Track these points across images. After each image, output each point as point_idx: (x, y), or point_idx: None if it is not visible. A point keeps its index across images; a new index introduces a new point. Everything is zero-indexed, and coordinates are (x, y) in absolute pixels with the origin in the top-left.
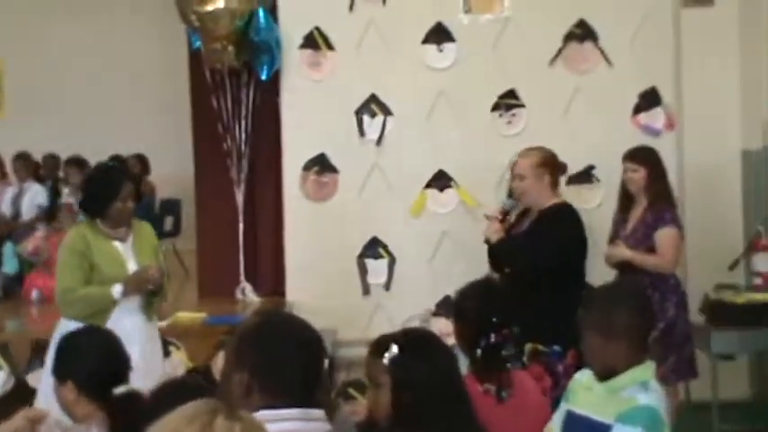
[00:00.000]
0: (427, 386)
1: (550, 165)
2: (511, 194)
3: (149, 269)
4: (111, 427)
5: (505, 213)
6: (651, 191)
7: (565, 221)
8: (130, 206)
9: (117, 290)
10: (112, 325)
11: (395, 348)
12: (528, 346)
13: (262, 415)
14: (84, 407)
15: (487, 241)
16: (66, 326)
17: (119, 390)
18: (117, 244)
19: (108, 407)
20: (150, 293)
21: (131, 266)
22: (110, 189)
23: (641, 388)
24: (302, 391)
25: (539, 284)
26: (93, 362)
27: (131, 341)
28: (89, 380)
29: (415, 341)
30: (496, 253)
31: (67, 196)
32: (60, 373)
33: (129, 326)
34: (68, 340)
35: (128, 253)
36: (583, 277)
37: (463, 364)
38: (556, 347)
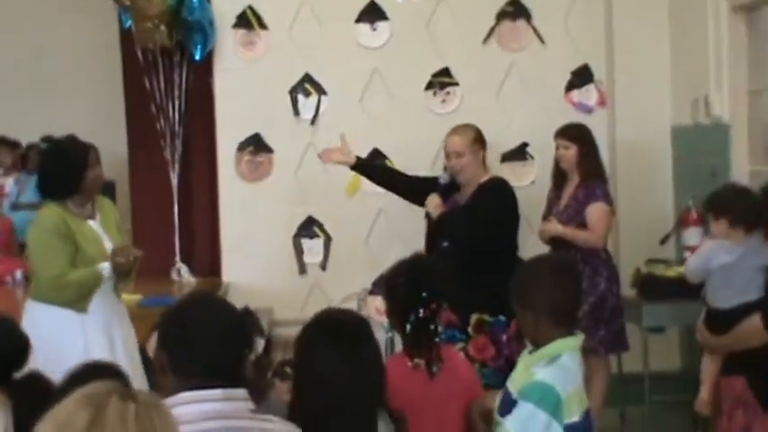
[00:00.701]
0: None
1: (482, 140)
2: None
3: (127, 247)
4: (14, 410)
5: (443, 188)
6: (582, 167)
7: (503, 195)
8: (101, 173)
9: (105, 268)
10: (97, 308)
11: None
12: (473, 317)
13: (182, 397)
14: None
15: (428, 215)
16: (47, 311)
17: (21, 372)
18: (91, 223)
19: (10, 390)
20: (129, 271)
21: (107, 244)
22: (78, 159)
23: (547, 362)
24: (223, 371)
25: (481, 256)
26: (2, 344)
27: (113, 322)
28: None
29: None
30: (438, 227)
31: None
32: None
33: (110, 307)
34: None
35: (99, 231)
36: (514, 249)
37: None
38: (501, 318)
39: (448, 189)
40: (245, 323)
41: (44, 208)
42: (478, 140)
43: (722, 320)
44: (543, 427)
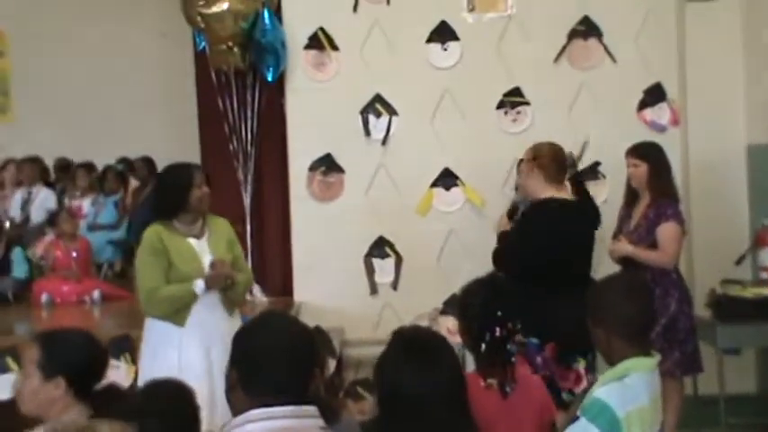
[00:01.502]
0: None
1: (546, 159)
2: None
3: (222, 263)
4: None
5: (515, 207)
6: (653, 186)
7: (532, 218)
8: (207, 191)
9: (199, 285)
10: (197, 321)
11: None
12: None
13: (252, 414)
14: (66, 403)
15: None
16: (153, 325)
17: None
18: (192, 240)
19: (90, 402)
20: (226, 288)
21: (207, 262)
22: (184, 178)
23: (612, 380)
24: (292, 388)
25: (517, 277)
26: (85, 357)
27: (214, 337)
28: (81, 376)
29: (409, 344)
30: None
31: (73, 199)
32: (50, 370)
33: (213, 321)
34: (56, 336)
35: (203, 249)
36: (561, 271)
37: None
38: (533, 340)
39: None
40: (314, 341)
41: (148, 228)
42: (538, 158)
43: None
44: None
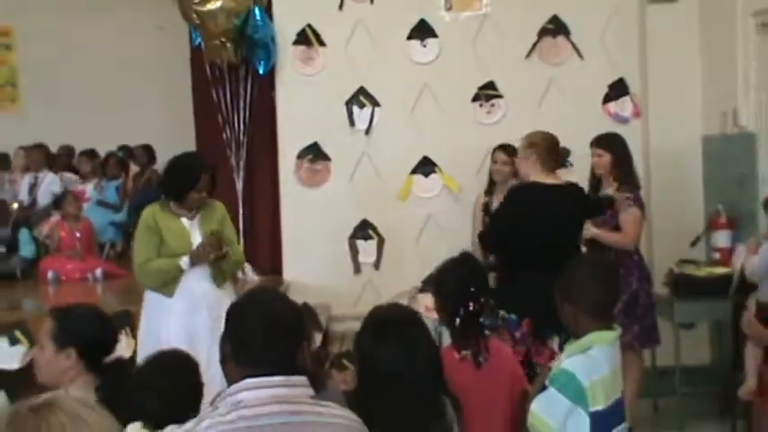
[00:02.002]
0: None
1: (539, 147)
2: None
3: (211, 238)
4: (97, 391)
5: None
6: (617, 174)
7: (511, 199)
8: (205, 196)
9: (184, 260)
10: (184, 291)
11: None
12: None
13: (245, 383)
14: (76, 373)
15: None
16: (148, 296)
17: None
18: (184, 220)
19: (100, 374)
20: (215, 262)
21: (196, 239)
22: (189, 181)
23: (577, 353)
24: (282, 360)
25: (499, 258)
26: (95, 331)
27: (200, 306)
28: (91, 348)
29: (385, 321)
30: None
31: (76, 184)
32: (62, 341)
33: (199, 292)
34: (69, 311)
35: (194, 228)
36: (538, 250)
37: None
38: (512, 316)
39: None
40: (301, 316)
41: (146, 207)
42: (531, 146)
43: None
44: (565, 411)
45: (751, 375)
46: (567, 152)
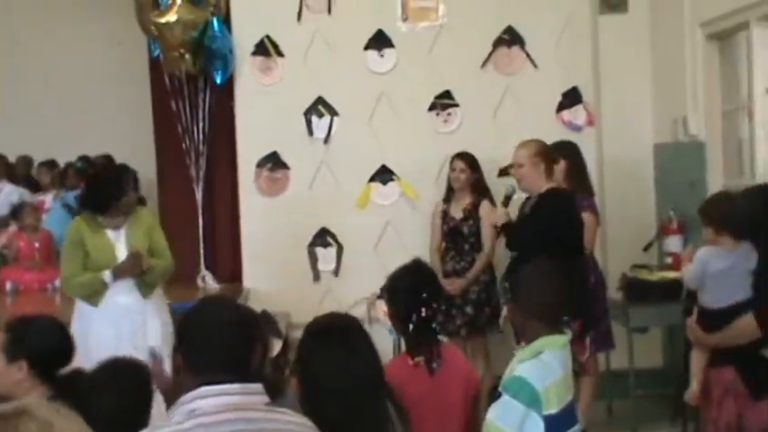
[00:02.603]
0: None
1: (544, 154)
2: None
3: (136, 255)
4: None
5: (508, 198)
6: (571, 181)
7: (559, 203)
8: (133, 197)
9: (107, 275)
10: (110, 302)
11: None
12: None
13: (201, 390)
14: (28, 386)
15: (495, 226)
16: (80, 304)
17: (63, 370)
18: (109, 232)
19: (54, 386)
20: (139, 275)
21: (121, 251)
22: (113, 188)
23: (529, 358)
24: (237, 367)
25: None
26: (48, 342)
27: (122, 317)
28: (43, 359)
29: (322, 331)
30: (505, 237)
31: (34, 195)
32: (13, 354)
33: (123, 303)
34: (22, 323)
35: (119, 239)
36: (580, 252)
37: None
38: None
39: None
40: (253, 320)
41: (72, 221)
42: (539, 154)
43: (715, 319)
44: (520, 417)
45: (695, 379)
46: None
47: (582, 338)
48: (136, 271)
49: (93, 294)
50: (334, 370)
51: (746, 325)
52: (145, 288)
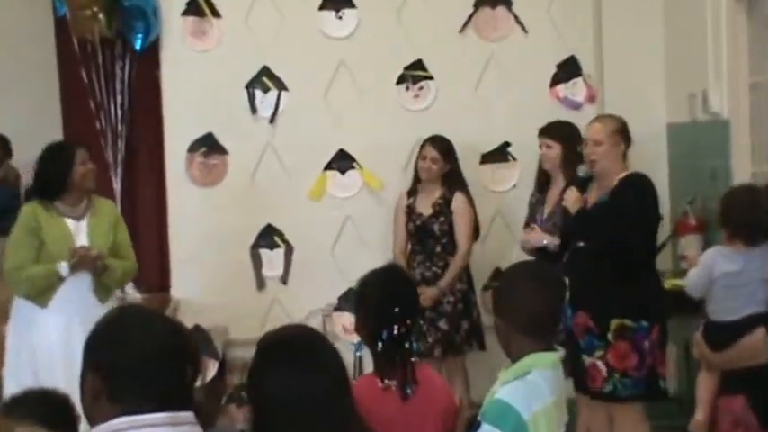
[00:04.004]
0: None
1: (625, 134)
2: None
3: (85, 248)
4: None
5: (581, 181)
6: (568, 169)
7: (645, 191)
8: (92, 167)
9: (63, 267)
10: (60, 301)
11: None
12: (613, 322)
13: (118, 422)
14: None
15: (565, 211)
16: (18, 303)
17: None
18: (69, 221)
19: None
20: (97, 272)
21: (79, 244)
22: (65, 157)
23: (514, 379)
24: (162, 393)
25: (623, 258)
26: None
27: (76, 322)
28: None
29: (270, 343)
30: (574, 225)
31: None
32: None
33: (77, 306)
34: None
35: (80, 231)
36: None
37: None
38: (643, 323)
39: (588, 183)
40: (184, 337)
41: (25, 205)
42: (621, 133)
43: (724, 334)
44: None
45: (701, 407)
46: (506, 144)
47: (661, 347)
48: (94, 262)
49: (46, 289)
50: (296, 391)
51: (759, 342)
52: (101, 291)
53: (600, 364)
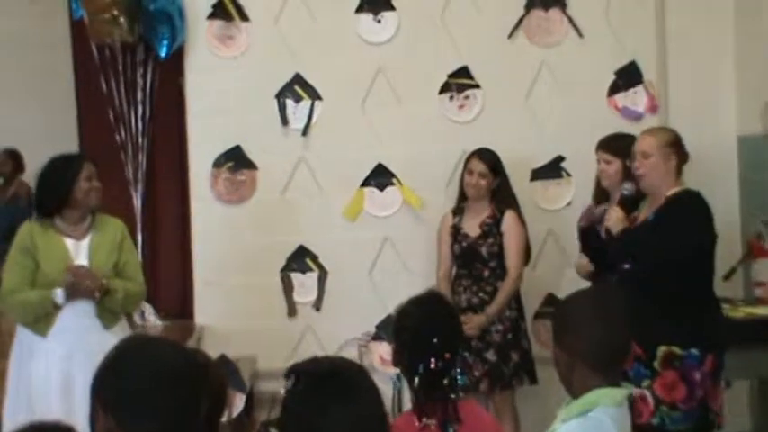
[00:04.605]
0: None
1: (678, 146)
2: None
3: (78, 268)
4: None
5: (626, 199)
6: None
7: (697, 211)
8: (97, 185)
9: (58, 293)
10: (60, 330)
11: (291, 381)
12: (661, 350)
13: None
14: None
15: (608, 232)
16: (20, 331)
17: None
18: (68, 241)
19: None
20: (97, 298)
21: (79, 263)
22: (69, 171)
23: (575, 416)
24: (180, 428)
25: (671, 281)
26: None
27: (77, 350)
28: None
29: (318, 374)
30: (619, 245)
31: None
32: None
33: (77, 333)
34: None
35: (80, 252)
36: (713, 274)
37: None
38: (693, 351)
39: (634, 202)
40: (198, 366)
41: (24, 223)
42: (673, 145)
43: None
44: None
45: None
46: (560, 158)
47: (715, 379)
48: (90, 287)
49: (41, 317)
50: (337, 426)
51: None
52: (106, 316)
53: (647, 394)
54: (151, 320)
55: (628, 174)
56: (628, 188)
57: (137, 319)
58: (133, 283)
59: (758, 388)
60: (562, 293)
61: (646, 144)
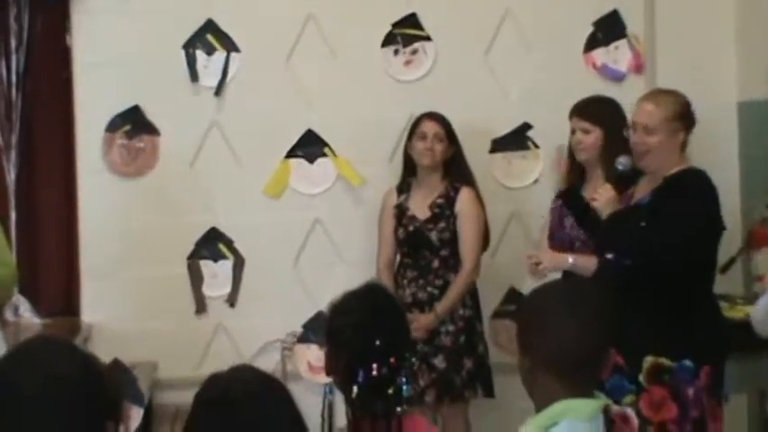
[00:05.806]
0: None
1: (687, 118)
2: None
3: None
4: None
5: (620, 177)
6: (610, 160)
7: (701, 195)
8: None
9: None
10: None
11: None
12: (647, 360)
13: None
14: None
15: (592, 209)
16: None
17: None
18: None
19: None
20: None
21: None
22: None
23: (537, 429)
24: None
25: (662, 276)
26: None
27: None
28: None
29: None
30: (603, 232)
31: None
32: None
33: None
34: None
35: None
36: (715, 271)
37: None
38: (686, 362)
39: (630, 179)
40: (98, 375)
41: None
42: (682, 118)
43: None
44: None
45: None
46: (526, 126)
47: (714, 396)
48: None
49: None
50: None
51: None
52: None
53: (630, 413)
54: (27, 317)
55: (608, 146)
56: (623, 163)
57: (8, 315)
58: (4, 267)
59: (756, 401)
60: (526, 288)
61: (649, 116)
